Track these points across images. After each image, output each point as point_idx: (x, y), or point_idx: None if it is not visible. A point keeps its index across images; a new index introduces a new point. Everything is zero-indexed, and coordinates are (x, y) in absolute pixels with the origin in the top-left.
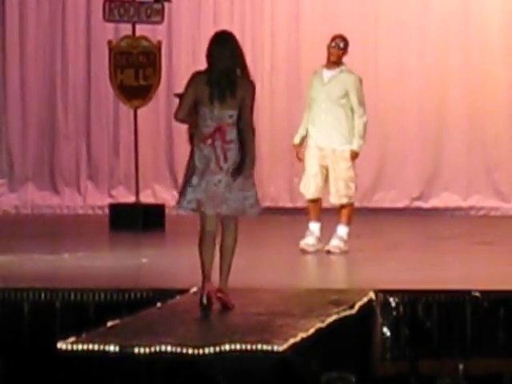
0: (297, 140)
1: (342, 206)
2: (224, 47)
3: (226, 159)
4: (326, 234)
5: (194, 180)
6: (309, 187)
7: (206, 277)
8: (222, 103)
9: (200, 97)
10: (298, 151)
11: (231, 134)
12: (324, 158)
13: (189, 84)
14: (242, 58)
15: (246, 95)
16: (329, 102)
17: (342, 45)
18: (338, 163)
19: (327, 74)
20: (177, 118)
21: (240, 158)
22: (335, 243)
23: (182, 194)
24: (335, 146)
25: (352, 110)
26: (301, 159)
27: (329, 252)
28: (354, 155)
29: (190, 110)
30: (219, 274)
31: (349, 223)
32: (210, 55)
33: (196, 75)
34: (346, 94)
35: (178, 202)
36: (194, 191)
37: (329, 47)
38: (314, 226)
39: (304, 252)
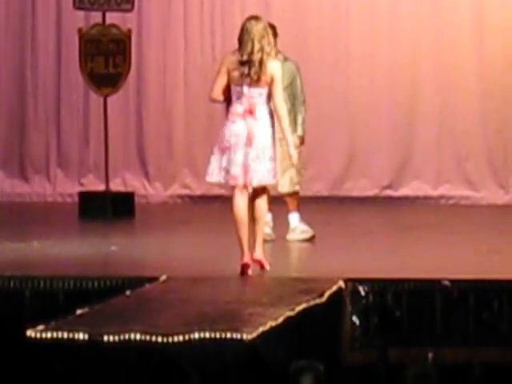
0: None
1: (290, 194)
2: (254, 30)
3: (254, 134)
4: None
5: (226, 153)
6: None
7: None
8: (252, 82)
9: (232, 77)
10: None
11: (260, 112)
12: None
13: (221, 65)
14: (269, 40)
15: (275, 73)
16: None
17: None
18: (288, 152)
19: None
20: (210, 98)
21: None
22: (302, 228)
23: (212, 165)
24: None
25: (294, 98)
26: None
27: (298, 240)
28: (302, 140)
29: (223, 90)
30: (254, 240)
31: (299, 209)
32: (241, 37)
33: (228, 56)
34: (291, 83)
35: (208, 174)
36: (226, 163)
37: None
38: (267, 216)
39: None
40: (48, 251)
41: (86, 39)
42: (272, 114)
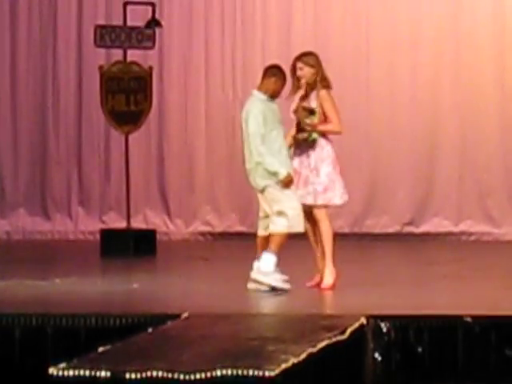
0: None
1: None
2: None
3: None
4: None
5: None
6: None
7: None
8: None
9: None
10: None
11: None
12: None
13: (332, 99)
14: None
15: None
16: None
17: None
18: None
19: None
20: (341, 132)
21: None
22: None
23: (341, 187)
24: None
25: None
26: None
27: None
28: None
29: None
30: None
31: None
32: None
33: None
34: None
35: (341, 196)
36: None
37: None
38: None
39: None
40: (70, 289)
41: (107, 76)
42: None
